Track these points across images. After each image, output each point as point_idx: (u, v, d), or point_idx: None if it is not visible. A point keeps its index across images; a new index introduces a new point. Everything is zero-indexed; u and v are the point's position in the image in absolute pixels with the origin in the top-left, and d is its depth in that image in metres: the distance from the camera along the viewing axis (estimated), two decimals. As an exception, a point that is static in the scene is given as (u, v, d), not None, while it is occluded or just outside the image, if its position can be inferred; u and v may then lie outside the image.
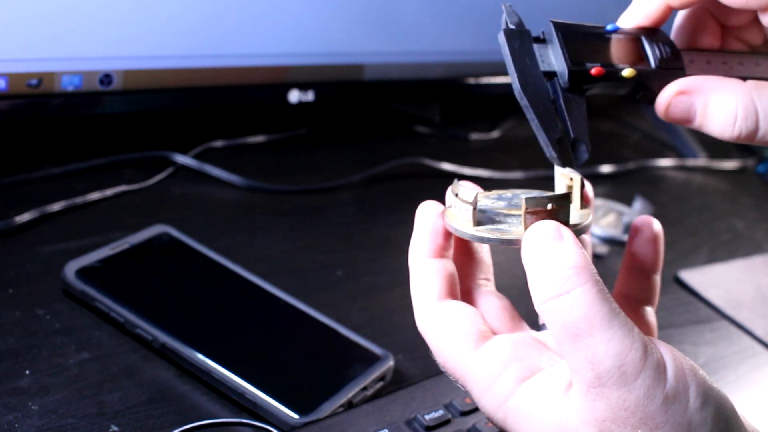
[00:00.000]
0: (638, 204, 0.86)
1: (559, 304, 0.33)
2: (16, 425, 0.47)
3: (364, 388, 0.53)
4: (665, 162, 1.05)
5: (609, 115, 1.17)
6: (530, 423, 0.35)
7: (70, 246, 0.62)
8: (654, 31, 0.41)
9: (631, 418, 0.33)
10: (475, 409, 0.50)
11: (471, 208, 0.38)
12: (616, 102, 1.19)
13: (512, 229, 0.38)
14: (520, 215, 0.37)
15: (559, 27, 0.39)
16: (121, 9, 0.68)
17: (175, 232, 0.63)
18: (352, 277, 0.67)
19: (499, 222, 0.38)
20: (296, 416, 0.49)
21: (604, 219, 0.83)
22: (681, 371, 0.34)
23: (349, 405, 0.52)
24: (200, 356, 0.52)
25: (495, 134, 1.02)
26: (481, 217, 0.39)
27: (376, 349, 0.56)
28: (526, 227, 0.36)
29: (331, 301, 0.62)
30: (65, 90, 0.68)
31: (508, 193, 0.42)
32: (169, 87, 0.74)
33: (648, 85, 0.40)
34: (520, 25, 0.39)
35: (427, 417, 0.48)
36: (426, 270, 0.39)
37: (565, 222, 0.36)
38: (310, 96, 0.81)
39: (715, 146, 1.09)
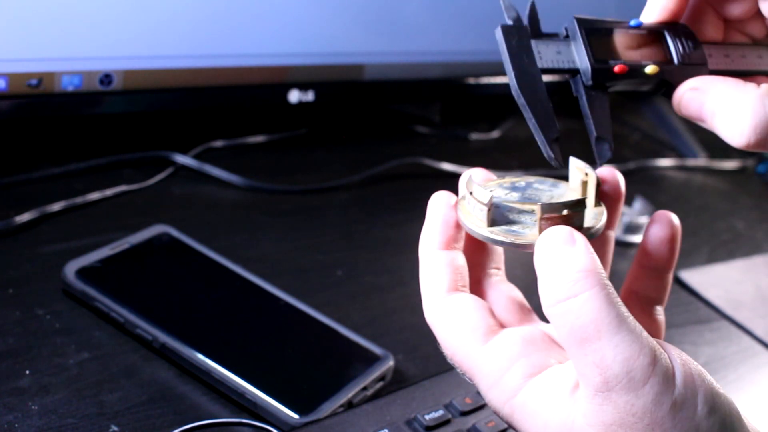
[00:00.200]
0: (638, 204, 0.86)
1: (567, 307, 0.33)
2: (16, 425, 0.47)
3: (364, 388, 0.53)
4: (665, 162, 1.05)
5: (609, 114, 1.17)
6: (536, 420, 0.35)
7: (70, 246, 0.62)
8: (676, 25, 0.41)
9: (639, 423, 0.33)
10: (475, 409, 0.50)
11: (486, 209, 0.37)
12: (617, 102, 1.19)
13: (526, 231, 0.37)
14: (533, 212, 0.37)
15: (583, 23, 0.38)
16: (121, 9, 0.68)
17: (175, 232, 0.63)
18: (352, 277, 0.67)
19: (513, 222, 0.38)
20: (296, 416, 0.49)
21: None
22: (690, 377, 0.33)
23: (349, 405, 0.52)
24: (200, 356, 0.52)
25: (495, 134, 1.02)
26: (495, 214, 0.38)
27: (376, 349, 0.56)
28: (540, 232, 0.35)
29: (331, 301, 0.62)
30: (65, 90, 0.68)
31: (522, 181, 0.41)
32: (169, 87, 0.74)
33: (671, 81, 0.40)
34: (518, 20, 0.38)
35: (427, 417, 0.48)
36: (436, 262, 0.39)
37: (579, 227, 0.36)
38: (310, 96, 0.81)
39: (715, 146, 1.09)
